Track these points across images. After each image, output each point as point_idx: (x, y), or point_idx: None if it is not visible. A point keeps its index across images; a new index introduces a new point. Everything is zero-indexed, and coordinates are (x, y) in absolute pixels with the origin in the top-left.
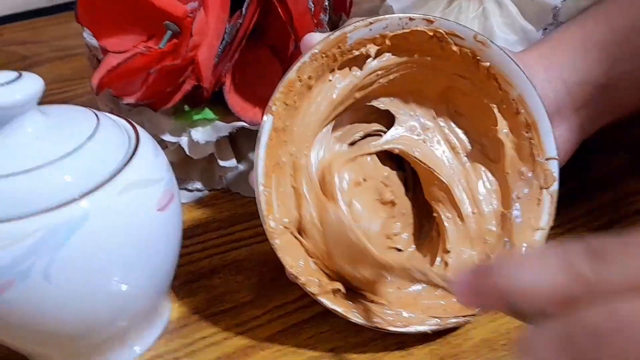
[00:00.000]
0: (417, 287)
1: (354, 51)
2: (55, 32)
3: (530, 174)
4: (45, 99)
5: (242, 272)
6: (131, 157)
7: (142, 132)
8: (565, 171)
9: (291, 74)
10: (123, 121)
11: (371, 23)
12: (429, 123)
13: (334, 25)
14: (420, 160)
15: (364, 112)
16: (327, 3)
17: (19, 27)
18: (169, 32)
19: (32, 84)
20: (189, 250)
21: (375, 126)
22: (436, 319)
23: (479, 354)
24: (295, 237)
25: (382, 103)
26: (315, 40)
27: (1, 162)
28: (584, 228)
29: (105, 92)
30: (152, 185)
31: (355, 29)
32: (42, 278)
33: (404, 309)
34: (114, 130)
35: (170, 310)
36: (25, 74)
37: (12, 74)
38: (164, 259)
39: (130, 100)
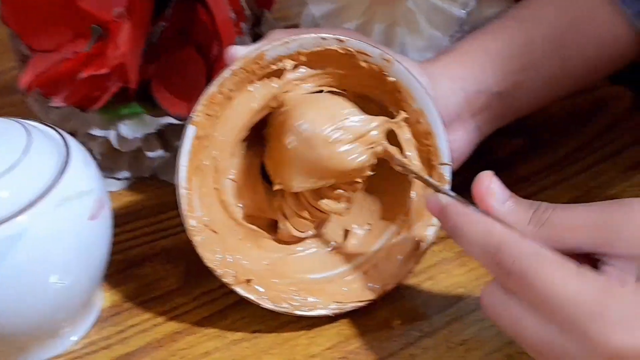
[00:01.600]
0: (324, 274)
1: (272, 66)
2: None
3: (427, 177)
4: None
5: (171, 260)
6: (63, 170)
7: (71, 142)
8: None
9: (213, 88)
10: (52, 132)
11: (287, 42)
12: None
13: (257, 18)
14: None
15: None
16: (248, 13)
17: None
18: (95, 35)
19: None
20: (119, 238)
21: None
22: (337, 304)
23: (380, 332)
24: (215, 232)
25: None
26: (238, 53)
27: None
28: None
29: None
30: (85, 197)
31: (272, 47)
32: None
33: (310, 295)
34: (45, 144)
35: (103, 299)
36: None
37: None
38: (97, 259)
39: (58, 102)
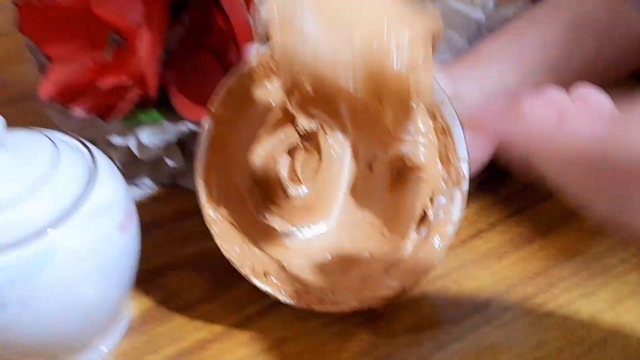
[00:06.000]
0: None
1: None
2: None
3: (445, 173)
4: None
5: (195, 268)
6: (92, 183)
7: (97, 154)
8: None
9: (230, 82)
10: (78, 144)
11: None
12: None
13: None
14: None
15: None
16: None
17: None
18: (113, 44)
19: None
20: (142, 247)
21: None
22: (357, 301)
23: (409, 336)
24: (233, 226)
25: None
26: (255, 52)
27: None
28: (498, 215)
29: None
30: (114, 209)
31: None
32: (19, 307)
33: (329, 292)
34: (73, 157)
35: (132, 308)
36: None
37: None
38: (127, 269)
39: (79, 112)
